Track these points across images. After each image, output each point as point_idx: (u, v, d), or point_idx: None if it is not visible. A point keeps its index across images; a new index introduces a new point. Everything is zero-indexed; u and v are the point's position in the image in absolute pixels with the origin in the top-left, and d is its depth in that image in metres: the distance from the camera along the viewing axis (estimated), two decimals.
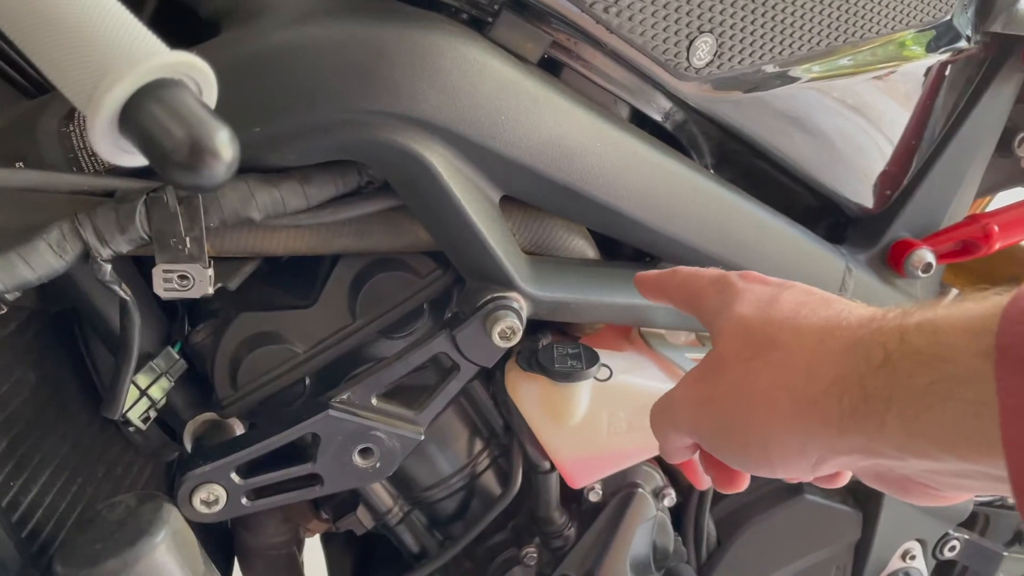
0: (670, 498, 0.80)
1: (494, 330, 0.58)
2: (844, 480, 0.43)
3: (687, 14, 0.56)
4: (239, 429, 0.67)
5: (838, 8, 0.61)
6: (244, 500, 0.61)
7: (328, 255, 0.64)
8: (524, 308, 0.60)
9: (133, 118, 0.33)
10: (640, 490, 0.77)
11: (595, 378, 0.65)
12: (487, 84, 0.53)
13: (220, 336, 0.64)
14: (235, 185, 0.53)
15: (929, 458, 0.31)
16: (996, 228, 0.75)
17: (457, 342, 0.60)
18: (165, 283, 0.54)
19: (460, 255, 0.59)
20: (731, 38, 0.58)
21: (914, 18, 0.65)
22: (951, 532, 0.91)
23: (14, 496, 0.54)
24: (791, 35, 0.60)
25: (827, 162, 0.70)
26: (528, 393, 0.68)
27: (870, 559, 0.87)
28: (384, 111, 0.51)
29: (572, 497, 0.77)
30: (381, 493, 0.75)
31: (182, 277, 0.54)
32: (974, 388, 0.29)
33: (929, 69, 0.72)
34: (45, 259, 0.49)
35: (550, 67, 0.59)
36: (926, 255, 0.75)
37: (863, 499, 0.88)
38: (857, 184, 0.74)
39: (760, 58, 0.60)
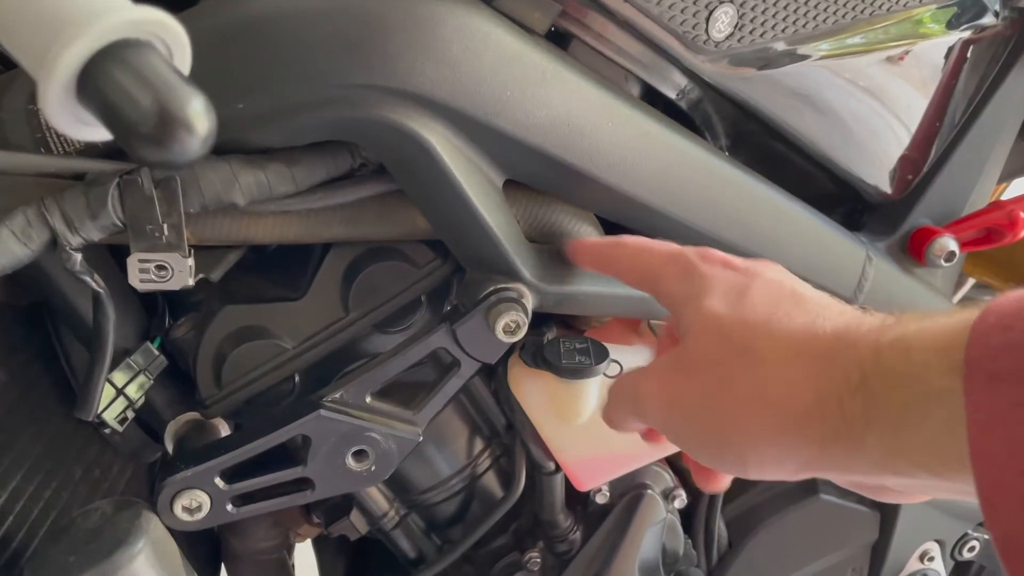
0: (680, 499, 0.78)
1: (497, 324, 0.55)
2: None
3: None
4: (224, 430, 0.65)
5: None
6: (229, 506, 0.58)
7: (318, 243, 0.61)
8: (529, 300, 0.57)
9: (93, 84, 0.30)
10: (649, 491, 0.75)
11: (604, 374, 0.62)
12: (491, 56, 0.49)
13: (203, 331, 0.61)
14: (217, 167, 0.49)
15: (907, 476, 0.32)
16: (1022, 215, 0.72)
17: (457, 337, 0.57)
18: (141, 274, 0.50)
19: (460, 243, 0.57)
20: (753, 8, 0.55)
21: None
22: (970, 532, 0.89)
23: None
24: (815, 5, 0.57)
25: (843, 144, 0.68)
26: (532, 390, 0.66)
27: (887, 561, 0.85)
28: (378, 85, 0.48)
29: (578, 499, 0.76)
30: (376, 496, 0.72)
31: (160, 267, 0.50)
32: (946, 405, 0.29)
33: (950, 49, 0.69)
34: (8, 247, 0.46)
35: (558, 40, 0.56)
36: (949, 243, 0.73)
37: None
38: (875, 168, 0.71)
39: (783, 31, 0.57)
